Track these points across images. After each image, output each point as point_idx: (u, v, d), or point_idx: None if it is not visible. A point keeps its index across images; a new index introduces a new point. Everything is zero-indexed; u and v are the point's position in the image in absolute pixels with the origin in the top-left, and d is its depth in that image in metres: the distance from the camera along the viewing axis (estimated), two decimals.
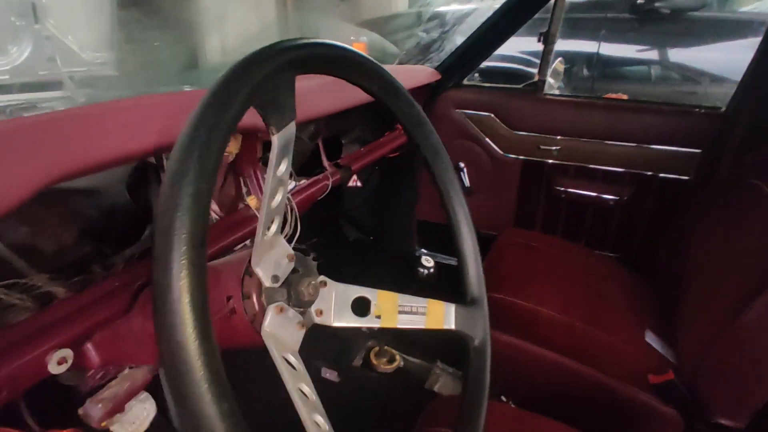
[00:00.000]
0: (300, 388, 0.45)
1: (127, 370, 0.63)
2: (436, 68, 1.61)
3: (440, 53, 1.76)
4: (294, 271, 0.49)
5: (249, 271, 0.47)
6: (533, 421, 0.78)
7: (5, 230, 0.59)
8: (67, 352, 0.51)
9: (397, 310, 0.55)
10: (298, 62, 0.40)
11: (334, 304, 0.53)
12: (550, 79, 1.59)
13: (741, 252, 0.97)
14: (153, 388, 0.98)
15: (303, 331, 0.49)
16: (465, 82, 1.68)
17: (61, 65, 1.78)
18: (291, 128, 0.42)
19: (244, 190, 0.85)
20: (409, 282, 1.59)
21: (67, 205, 0.67)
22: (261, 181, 0.86)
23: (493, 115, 1.60)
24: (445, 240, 1.39)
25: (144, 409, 0.86)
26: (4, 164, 0.41)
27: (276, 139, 0.40)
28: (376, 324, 0.54)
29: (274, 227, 0.46)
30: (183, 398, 0.29)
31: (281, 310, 0.47)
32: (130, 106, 0.59)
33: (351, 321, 0.53)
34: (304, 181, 1.01)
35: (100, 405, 0.52)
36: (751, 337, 0.85)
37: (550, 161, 1.58)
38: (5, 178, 0.40)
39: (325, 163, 1.11)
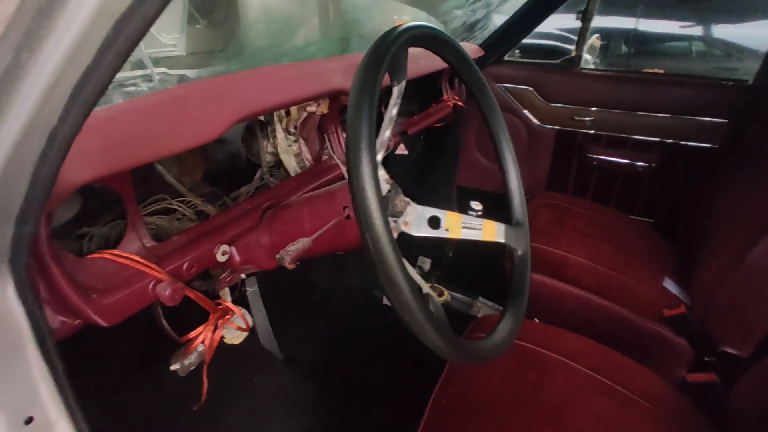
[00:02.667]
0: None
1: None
2: (480, 45, 1.76)
3: (484, 31, 1.89)
4: (389, 191, 0.68)
5: None
6: (559, 333, 0.96)
7: (172, 166, 0.81)
8: (227, 248, 0.72)
9: (461, 226, 0.73)
10: (412, 38, 0.58)
11: (416, 219, 0.72)
12: (586, 55, 1.71)
13: (756, 207, 1.10)
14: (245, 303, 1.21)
15: (396, 234, 0.68)
16: (506, 58, 1.82)
17: (143, 47, 2.01)
18: (403, 83, 0.60)
19: (327, 144, 1.05)
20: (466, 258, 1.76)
21: (207, 148, 0.88)
22: (341, 138, 1.05)
23: (531, 89, 1.75)
24: (488, 207, 1.55)
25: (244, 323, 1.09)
26: (212, 107, 0.61)
27: (395, 90, 0.59)
28: (445, 235, 0.73)
29: (380, 155, 0.65)
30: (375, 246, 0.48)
31: None
32: (280, 72, 0.79)
33: (427, 232, 0.72)
34: None
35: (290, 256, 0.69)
36: (758, 272, 0.99)
37: (583, 131, 1.71)
38: (214, 116, 0.60)
39: None
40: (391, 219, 0.68)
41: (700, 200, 1.44)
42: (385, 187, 0.68)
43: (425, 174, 2.09)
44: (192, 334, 0.71)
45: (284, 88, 0.75)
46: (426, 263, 1.55)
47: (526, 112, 1.78)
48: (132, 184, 0.63)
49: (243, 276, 0.96)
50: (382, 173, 0.68)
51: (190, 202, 0.79)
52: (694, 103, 1.55)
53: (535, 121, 1.78)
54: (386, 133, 0.63)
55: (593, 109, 1.68)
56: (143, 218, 0.67)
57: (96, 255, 0.57)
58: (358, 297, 1.32)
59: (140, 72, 2.02)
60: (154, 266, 0.60)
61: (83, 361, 0.63)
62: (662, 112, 1.59)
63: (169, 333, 1.11)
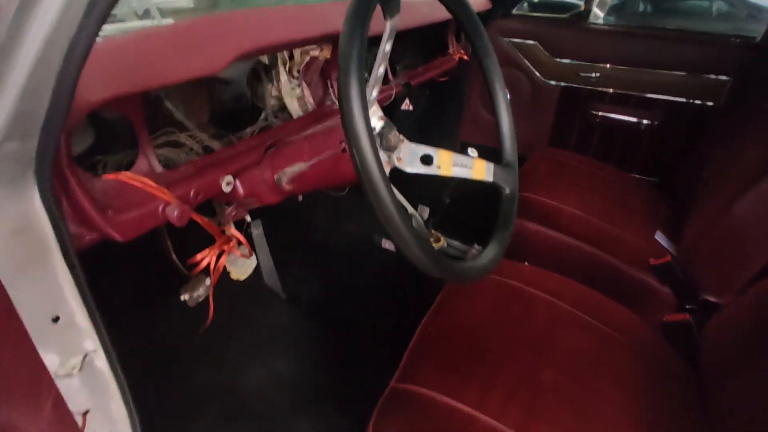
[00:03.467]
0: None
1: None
2: None
3: None
4: (383, 127, 0.72)
5: None
6: (546, 274, 1.01)
7: (179, 104, 0.85)
8: (230, 179, 0.77)
9: (452, 163, 0.78)
10: None
11: (409, 155, 0.76)
12: (596, 9, 1.69)
13: (746, 161, 1.12)
14: (251, 245, 1.27)
15: (389, 168, 0.72)
16: (514, 11, 1.80)
17: None
18: (396, 19, 0.63)
19: (329, 90, 1.08)
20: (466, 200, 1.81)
21: (213, 89, 0.92)
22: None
23: (537, 43, 1.74)
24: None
25: (248, 261, 1.15)
26: (219, 40, 0.65)
27: (388, 25, 0.62)
28: (436, 172, 0.77)
29: (375, 92, 0.69)
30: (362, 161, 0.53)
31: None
32: (285, 12, 0.82)
33: (420, 169, 0.76)
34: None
35: (287, 177, 0.75)
36: (741, 224, 1.03)
37: (588, 88, 1.72)
38: (220, 49, 0.64)
39: (391, 77, 1.32)
40: (384, 153, 0.72)
41: (698, 158, 1.46)
42: (378, 123, 0.71)
43: (429, 129, 2.11)
44: (198, 256, 0.77)
45: (288, 28, 0.78)
46: (425, 211, 1.59)
47: (531, 66, 1.78)
48: (143, 113, 0.67)
49: (247, 214, 1.02)
50: (375, 108, 0.72)
51: (197, 137, 0.83)
52: (699, 60, 1.55)
53: (539, 76, 1.78)
54: (380, 68, 0.66)
55: (600, 65, 1.67)
56: (153, 148, 0.72)
57: (112, 176, 0.62)
58: (357, 240, 1.38)
59: (148, 22, 2.03)
60: (164, 190, 0.65)
61: (99, 288, 0.69)
62: (668, 68, 1.59)
63: (179, 267, 1.18)
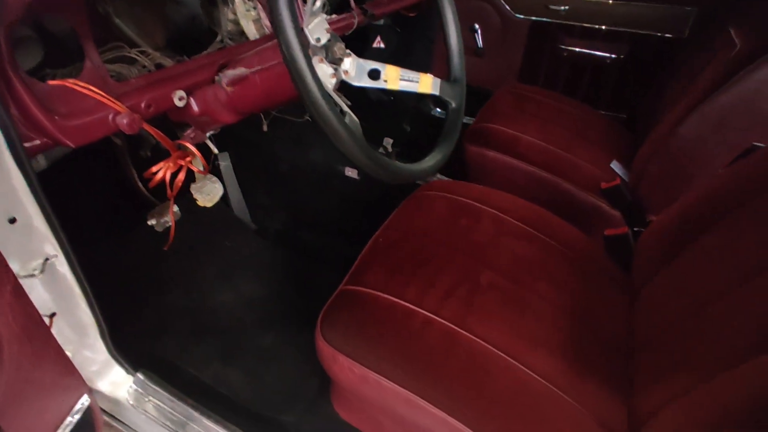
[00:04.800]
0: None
1: None
2: None
3: None
4: (328, 39, 0.74)
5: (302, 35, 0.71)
6: (498, 193, 1.05)
7: (130, 23, 0.85)
8: (183, 93, 0.79)
9: (399, 78, 0.80)
10: None
11: (356, 70, 0.78)
12: None
13: (694, 86, 1.16)
14: (219, 177, 1.30)
15: (335, 80, 0.75)
16: None
17: None
18: None
19: None
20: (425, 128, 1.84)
21: (164, 9, 0.91)
22: (301, 7, 1.08)
23: None
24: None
25: (215, 188, 1.18)
26: None
27: None
28: (383, 86, 0.80)
29: (318, 2, 0.70)
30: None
31: (321, 60, 0.72)
32: None
33: (367, 83, 0.79)
34: (335, 16, 1.22)
35: (227, 78, 0.77)
36: (684, 144, 1.07)
37: (558, 21, 1.71)
38: None
39: (353, 4, 1.31)
40: (330, 66, 0.74)
41: (657, 90, 1.49)
42: (324, 35, 0.73)
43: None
44: (154, 168, 0.80)
45: None
46: (389, 143, 1.63)
47: (502, 1, 1.76)
48: (88, 22, 0.67)
49: (211, 142, 1.03)
50: (321, 20, 0.73)
51: (150, 54, 0.84)
52: None
53: (509, 9, 1.77)
54: None
55: None
56: (103, 62, 0.72)
57: (58, 81, 0.64)
58: (322, 170, 1.41)
59: None
60: (113, 99, 0.67)
61: (65, 220, 0.72)
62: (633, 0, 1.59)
63: (144, 194, 1.20)
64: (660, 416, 0.61)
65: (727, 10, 1.37)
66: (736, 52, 1.07)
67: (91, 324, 0.82)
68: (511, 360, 0.70)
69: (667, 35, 1.60)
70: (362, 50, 1.83)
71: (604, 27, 1.67)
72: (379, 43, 2.04)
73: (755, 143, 0.89)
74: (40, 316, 0.64)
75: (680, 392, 0.59)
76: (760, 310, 0.57)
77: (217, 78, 0.72)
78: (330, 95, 0.63)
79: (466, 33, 1.88)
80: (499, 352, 0.70)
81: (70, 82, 0.64)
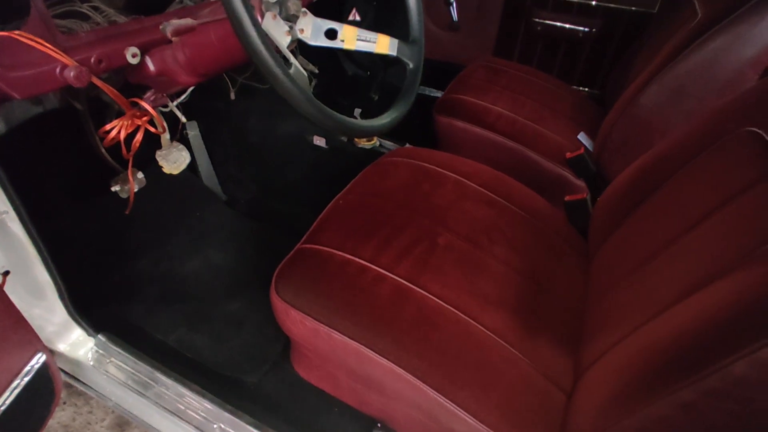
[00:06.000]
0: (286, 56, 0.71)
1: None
2: None
3: None
4: None
5: None
6: (463, 161, 1.06)
7: None
8: (136, 50, 0.77)
9: (356, 38, 0.80)
10: None
11: (313, 28, 0.77)
12: None
13: (655, 57, 1.18)
14: (187, 146, 1.29)
15: (290, 39, 0.74)
16: None
17: None
18: None
19: None
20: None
21: None
22: None
23: None
24: (433, 76, 1.61)
25: (181, 156, 1.17)
26: None
27: None
28: (340, 46, 0.80)
29: None
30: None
31: (274, 17, 0.71)
32: None
33: (324, 42, 0.79)
34: None
35: (172, 27, 0.75)
36: (644, 114, 1.09)
37: None
38: None
39: None
40: (285, 23, 0.73)
41: (626, 62, 1.51)
42: None
43: None
44: (108, 126, 0.79)
45: None
46: (358, 113, 1.63)
47: None
48: None
49: (174, 106, 1.02)
50: None
51: (103, 10, 0.82)
52: None
53: None
54: None
55: None
56: (50, 15, 0.71)
57: (2, 33, 0.63)
58: (292, 141, 1.41)
59: None
60: (60, 52, 0.66)
61: (24, 185, 0.71)
62: None
63: (108, 161, 1.19)
64: (596, 365, 0.63)
65: None
66: (696, 21, 1.08)
67: (48, 284, 0.82)
68: (461, 314, 0.72)
69: (639, 9, 1.61)
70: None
71: (577, 0, 1.67)
72: (354, 16, 2.02)
73: None
74: None
75: (613, 343, 0.62)
76: (684, 264, 0.59)
77: (162, 26, 0.71)
78: (277, 48, 0.63)
79: (442, 8, 1.87)
80: (450, 307, 0.72)
81: (14, 34, 0.63)
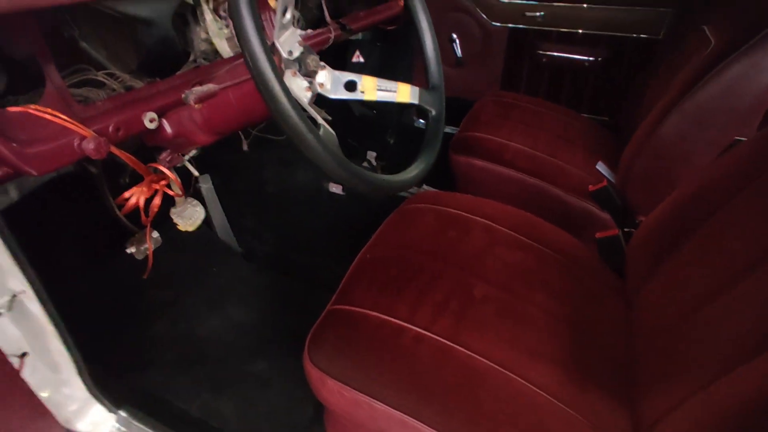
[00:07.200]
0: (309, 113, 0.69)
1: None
2: None
3: None
4: (301, 52, 0.72)
5: (273, 49, 0.69)
6: (487, 202, 1.03)
7: (98, 46, 0.83)
8: (154, 115, 0.76)
9: (377, 88, 0.78)
10: None
11: (332, 82, 0.76)
12: None
13: (673, 84, 1.16)
14: (200, 200, 1.27)
15: (310, 94, 0.73)
16: None
17: None
18: None
19: None
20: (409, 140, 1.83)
21: (135, 31, 0.89)
22: (273, 23, 1.06)
23: None
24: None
25: (196, 212, 1.15)
26: None
27: None
28: (361, 97, 0.78)
29: (288, 14, 0.68)
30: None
31: (294, 74, 0.70)
32: None
33: (344, 95, 0.77)
34: (310, 31, 1.20)
35: (195, 95, 0.74)
36: (666, 143, 1.07)
37: (535, 28, 1.72)
38: None
39: (329, 19, 1.30)
40: (304, 79, 0.72)
41: (637, 90, 1.50)
42: (297, 49, 0.71)
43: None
44: (126, 194, 0.77)
45: None
46: (373, 157, 1.61)
47: (478, 10, 1.77)
48: (47, 45, 0.65)
49: (191, 165, 1.01)
50: (292, 32, 0.71)
51: (119, 76, 0.81)
52: None
53: (487, 19, 1.77)
54: None
55: (544, 3, 1.68)
56: (66, 85, 0.70)
57: (18, 108, 0.61)
58: (308, 190, 1.38)
59: None
60: (78, 124, 0.64)
61: (39, 254, 0.69)
62: (609, 3, 1.60)
63: (124, 223, 1.17)
64: (663, 425, 0.58)
65: (700, 9, 1.39)
66: (711, 49, 1.07)
67: (67, 361, 0.78)
68: (508, 373, 0.67)
69: (643, 36, 1.61)
70: (342, 65, 1.82)
71: (580, 31, 1.68)
72: (358, 57, 2.04)
73: (737, 137, 0.88)
74: (4, 356, 0.60)
75: (681, 399, 0.57)
76: (751, 313, 0.55)
77: (184, 96, 0.69)
78: (303, 108, 0.61)
79: (446, 44, 1.89)
80: (495, 365, 0.67)
81: (32, 108, 0.62)
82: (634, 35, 1.62)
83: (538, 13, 1.69)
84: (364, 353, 0.68)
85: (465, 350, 0.69)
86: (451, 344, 0.69)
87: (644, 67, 1.60)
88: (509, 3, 1.72)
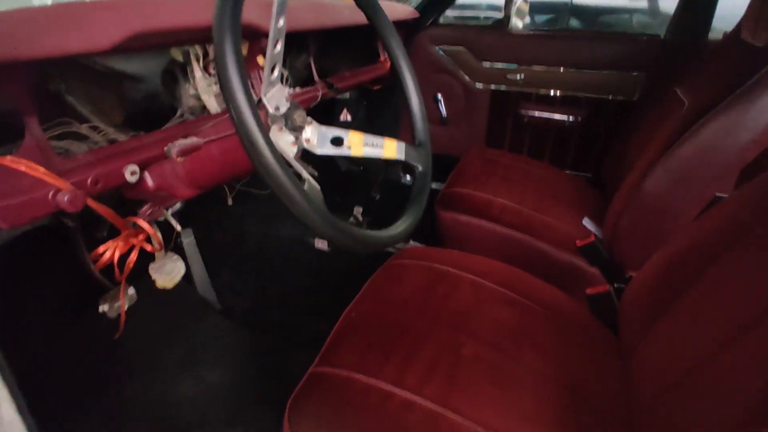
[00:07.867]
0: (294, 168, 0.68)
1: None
2: (415, 8, 1.81)
3: None
4: (288, 108, 0.72)
5: (260, 104, 0.70)
6: (474, 258, 1.02)
7: (84, 101, 0.82)
8: (135, 168, 0.74)
9: (363, 143, 0.78)
10: None
11: (318, 137, 0.76)
12: (514, 18, 1.78)
13: (652, 142, 1.20)
14: (181, 255, 1.23)
15: (296, 149, 0.72)
16: (441, 21, 1.88)
17: None
18: (282, 20, 0.64)
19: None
20: (395, 195, 1.83)
21: (122, 88, 0.89)
22: (261, 77, 1.08)
23: (464, 48, 1.81)
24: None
25: (176, 267, 1.11)
26: (106, 17, 0.63)
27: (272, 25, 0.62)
28: (347, 153, 0.78)
29: (276, 72, 0.69)
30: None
31: (280, 129, 0.70)
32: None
33: (330, 150, 0.77)
34: (298, 89, 1.23)
35: (178, 148, 0.73)
36: (651, 200, 1.08)
37: (516, 89, 1.79)
38: (106, 27, 0.62)
39: (316, 78, 1.33)
40: (291, 134, 0.72)
41: (618, 148, 1.54)
42: (284, 105, 0.71)
43: None
44: (101, 248, 0.73)
45: (188, 10, 0.77)
46: (359, 212, 1.60)
47: (461, 72, 1.84)
48: (31, 98, 0.64)
49: (173, 219, 0.98)
50: (283, 91, 0.71)
51: (102, 129, 0.80)
52: (613, 58, 1.65)
53: (470, 80, 1.84)
54: (278, 47, 0.66)
55: (524, 67, 1.76)
56: (49, 139, 0.68)
57: None
58: (290, 244, 1.36)
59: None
60: (53, 175, 0.62)
61: (5, 310, 0.65)
62: (586, 67, 1.69)
63: (99, 279, 1.12)
64: None
65: (671, 73, 1.46)
66: (686, 109, 1.11)
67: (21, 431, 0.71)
68: None
69: (620, 98, 1.68)
70: (329, 122, 1.86)
71: (559, 93, 1.75)
72: (345, 116, 2.09)
73: (717, 194, 0.90)
74: None
75: None
76: (762, 371, 0.52)
77: (166, 149, 0.68)
78: (289, 163, 0.60)
79: (431, 104, 1.95)
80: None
81: (6, 160, 0.60)
82: (611, 97, 1.69)
83: (518, 76, 1.76)
84: (348, 422, 0.63)
85: (456, 416, 0.64)
86: (441, 410, 0.65)
87: (623, 126, 1.66)
88: (491, 67, 1.80)
